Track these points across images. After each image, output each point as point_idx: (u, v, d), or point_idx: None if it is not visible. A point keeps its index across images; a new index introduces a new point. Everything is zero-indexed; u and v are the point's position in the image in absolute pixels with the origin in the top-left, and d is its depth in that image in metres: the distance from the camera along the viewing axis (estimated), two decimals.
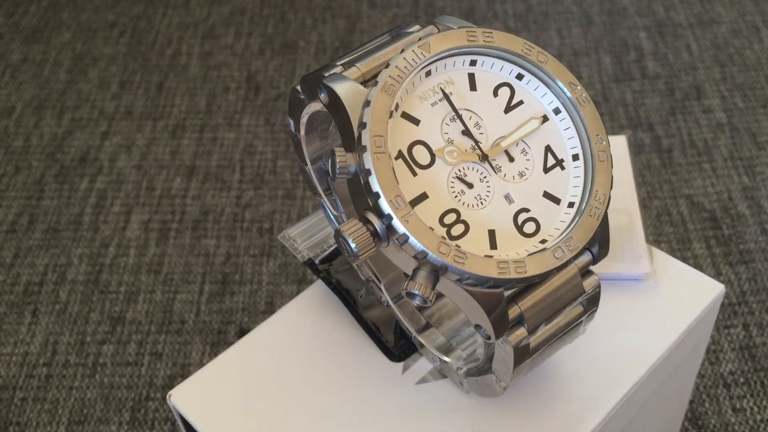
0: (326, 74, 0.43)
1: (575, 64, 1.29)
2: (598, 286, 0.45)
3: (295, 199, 1.11)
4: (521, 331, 0.43)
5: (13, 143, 1.22)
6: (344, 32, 1.39)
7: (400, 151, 0.42)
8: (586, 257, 0.44)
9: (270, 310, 0.97)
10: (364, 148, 0.40)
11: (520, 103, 0.45)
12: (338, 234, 0.40)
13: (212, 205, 1.11)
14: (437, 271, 0.40)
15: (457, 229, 0.42)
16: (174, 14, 1.45)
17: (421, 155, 0.42)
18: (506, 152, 0.44)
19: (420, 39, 0.43)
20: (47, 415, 0.89)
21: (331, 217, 0.54)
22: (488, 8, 1.42)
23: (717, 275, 0.98)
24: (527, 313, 0.43)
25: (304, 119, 0.48)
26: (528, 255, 0.42)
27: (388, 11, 1.43)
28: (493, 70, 0.45)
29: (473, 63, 0.45)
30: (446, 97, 0.44)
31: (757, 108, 1.20)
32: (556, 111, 0.46)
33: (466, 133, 0.43)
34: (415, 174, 0.42)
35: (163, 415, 0.88)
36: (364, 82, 0.43)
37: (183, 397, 0.53)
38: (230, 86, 1.30)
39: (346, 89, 0.42)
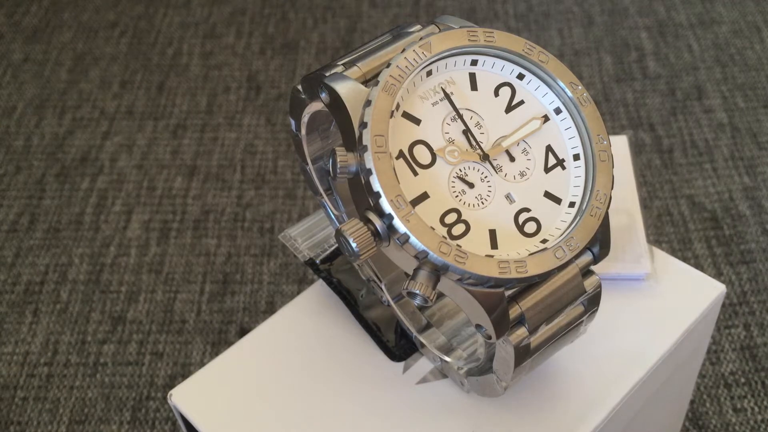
0: (327, 74, 0.43)
1: (576, 64, 1.29)
2: (599, 286, 0.45)
3: (295, 198, 1.11)
4: (522, 331, 0.43)
5: (14, 143, 1.22)
6: (345, 32, 1.39)
7: (401, 151, 0.42)
8: (587, 257, 0.44)
9: (271, 309, 0.97)
10: (365, 148, 0.40)
11: (521, 102, 0.45)
12: (339, 233, 0.40)
13: (213, 204, 1.11)
14: (438, 271, 0.40)
15: (458, 229, 0.42)
16: (175, 14, 1.45)
17: (422, 155, 0.42)
18: (507, 152, 0.44)
19: (421, 39, 0.43)
20: (48, 414, 0.89)
21: (332, 216, 0.54)
22: (489, 8, 1.42)
23: (718, 275, 0.98)
24: (528, 313, 0.43)
25: (305, 119, 0.48)
26: (529, 255, 0.42)
27: (389, 11, 1.43)
28: (494, 70, 0.45)
29: (474, 63, 0.45)
30: (447, 96, 0.44)
31: (758, 108, 1.20)
32: (557, 111, 0.46)
33: (467, 132, 0.43)
34: (415, 174, 0.42)
35: (163, 414, 0.88)
36: (365, 82, 0.43)
37: (184, 397, 0.53)
38: (231, 86, 1.30)
39: (347, 89, 0.42)
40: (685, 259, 0.99)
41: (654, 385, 0.55)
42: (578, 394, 0.51)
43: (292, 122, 0.49)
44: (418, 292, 0.40)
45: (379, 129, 0.40)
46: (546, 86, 0.45)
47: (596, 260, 0.44)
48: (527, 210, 0.44)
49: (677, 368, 0.58)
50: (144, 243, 1.06)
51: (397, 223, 0.39)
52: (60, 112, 1.26)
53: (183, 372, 0.92)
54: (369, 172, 0.40)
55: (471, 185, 0.43)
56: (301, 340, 0.55)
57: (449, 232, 0.41)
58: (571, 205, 0.44)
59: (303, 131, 0.49)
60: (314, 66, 1.33)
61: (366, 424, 0.50)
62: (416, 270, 0.40)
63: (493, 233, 0.42)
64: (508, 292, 0.42)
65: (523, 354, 0.44)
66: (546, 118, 0.45)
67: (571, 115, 0.45)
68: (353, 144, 0.41)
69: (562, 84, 0.45)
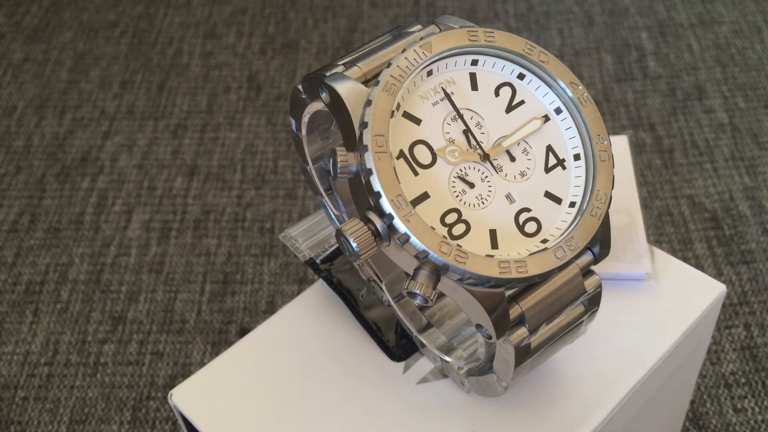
0: (327, 74, 0.43)
1: (576, 64, 1.29)
2: (599, 286, 0.45)
3: (296, 198, 1.11)
4: (522, 331, 0.43)
5: (15, 143, 1.22)
6: (345, 32, 1.39)
7: (401, 151, 0.42)
8: (588, 257, 0.44)
9: (271, 309, 0.97)
10: (365, 148, 0.40)
11: (522, 102, 0.45)
12: (339, 233, 0.40)
13: (213, 204, 1.11)
14: (438, 271, 0.40)
15: (459, 229, 0.42)
16: (175, 14, 1.45)
17: (423, 155, 0.42)
18: (507, 152, 0.44)
19: (421, 39, 0.43)
20: (48, 414, 0.89)
21: (333, 216, 0.54)
22: (489, 8, 1.42)
23: (718, 275, 0.98)
24: (528, 313, 0.43)
25: (305, 119, 0.48)
26: (529, 255, 0.42)
27: (389, 11, 1.43)
28: (494, 70, 0.45)
29: (475, 63, 0.45)
30: (447, 96, 0.44)
31: (758, 108, 1.20)
32: (558, 111, 0.46)
33: (468, 132, 0.43)
34: (416, 173, 0.42)
35: (164, 414, 0.88)
36: (366, 82, 0.43)
37: (184, 397, 0.53)
38: (231, 86, 1.30)
39: (347, 89, 0.42)
40: (685, 259, 0.99)
41: (654, 385, 0.55)
42: (578, 394, 0.51)
43: (293, 122, 0.49)
44: (418, 292, 0.40)
45: (379, 129, 0.40)
46: (546, 86, 0.45)
47: (596, 260, 0.44)
48: (528, 210, 0.44)
49: (677, 368, 0.58)
50: (144, 243, 1.06)
51: (398, 222, 0.39)
52: (60, 112, 1.26)
53: (183, 372, 0.92)
54: (369, 171, 0.40)
55: (471, 185, 0.43)
56: (301, 340, 0.55)
57: (449, 232, 0.41)
58: (572, 205, 0.44)
59: (303, 131, 0.49)
60: (315, 66, 1.33)
61: (366, 424, 0.50)
62: (416, 270, 0.40)
63: (493, 233, 0.42)
64: (508, 292, 0.42)
65: (524, 354, 0.44)
66: (546, 118, 0.45)
67: (571, 115, 0.45)
68: (354, 144, 0.41)
69: (562, 84, 0.45)
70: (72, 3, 1.49)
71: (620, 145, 0.64)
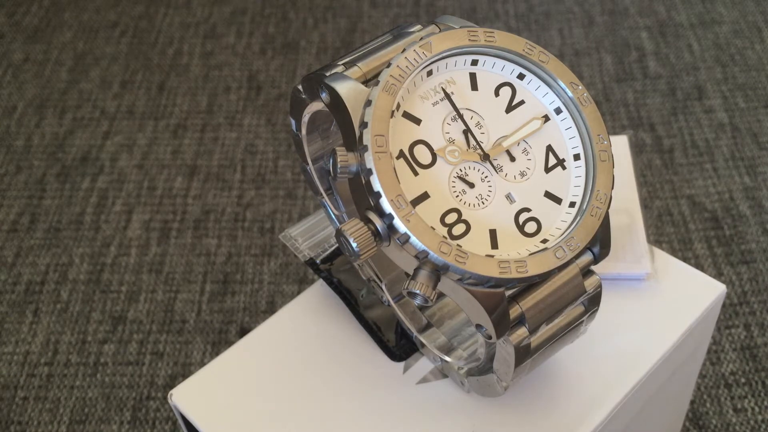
0: (327, 74, 0.43)
1: (576, 64, 1.29)
2: (599, 286, 0.45)
3: (296, 198, 1.11)
4: (522, 331, 0.43)
5: (15, 143, 1.22)
6: (345, 32, 1.39)
7: (401, 151, 0.42)
8: (588, 257, 0.44)
9: (271, 309, 0.97)
10: (365, 148, 0.40)
11: (522, 102, 0.45)
12: (339, 233, 0.40)
13: (213, 204, 1.11)
14: (438, 271, 0.40)
15: (459, 229, 0.42)
16: (175, 14, 1.45)
17: (423, 155, 0.42)
18: (507, 152, 0.44)
19: (421, 39, 0.43)
20: (48, 414, 0.89)
21: (333, 216, 0.54)
22: (490, 8, 1.42)
23: (718, 275, 0.98)
24: (528, 313, 0.43)
25: (305, 119, 0.48)
26: (529, 255, 0.42)
27: (389, 11, 1.43)
28: (494, 70, 0.45)
29: (474, 63, 0.45)
30: (447, 96, 0.44)
31: (758, 108, 1.20)
32: (558, 111, 0.46)
33: (468, 132, 0.43)
34: (416, 173, 0.42)
35: (164, 414, 0.88)
36: (366, 82, 0.43)
37: (184, 397, 0.53)
38: (231, 86, 1.30)
39: (347, 89, 0.42)
40: (685, 259, 0.99)
41: (654, 385, 0.55)
42: (578, 394, 0.51)
43: (293, 122, 0.49)
44: (418, 292, 0.40)
45: (379, 129, 0.40)
46: (546, 86, 0.45)
47: (596, 260, 0.44)
48: (527, 210, 0.44)
49: (677, 368, 0.58)
50: (144, 243, 1.06)
51: (398, 222, 0.39)
52: (60, 112, 1.26)
53: (183, 372, 0.92)
54: (369, 172, 0.40)
55: (471, 185, 0.43)
56: (301, 340, 0.55)
57: (449, 232, 0.41)
58: (572, 205, 0.44)
59: (303, 131, 0.49)
60: (315, 66, 1.33)
61: (366, 424, 0.50)
62: (417, 270, 0.40)
63: (493, 233, 0.42)
64: (508, 292, 0.42)
65: (524, 354, 0.44)
66: (546, 118, 0.45)
67: (571, 115, 0.45)
68: (354, 144, 0.41)
69: (562, 84, 0.45)
70: (72, 3, 1.49)
71: (620, 145, 0.64)
